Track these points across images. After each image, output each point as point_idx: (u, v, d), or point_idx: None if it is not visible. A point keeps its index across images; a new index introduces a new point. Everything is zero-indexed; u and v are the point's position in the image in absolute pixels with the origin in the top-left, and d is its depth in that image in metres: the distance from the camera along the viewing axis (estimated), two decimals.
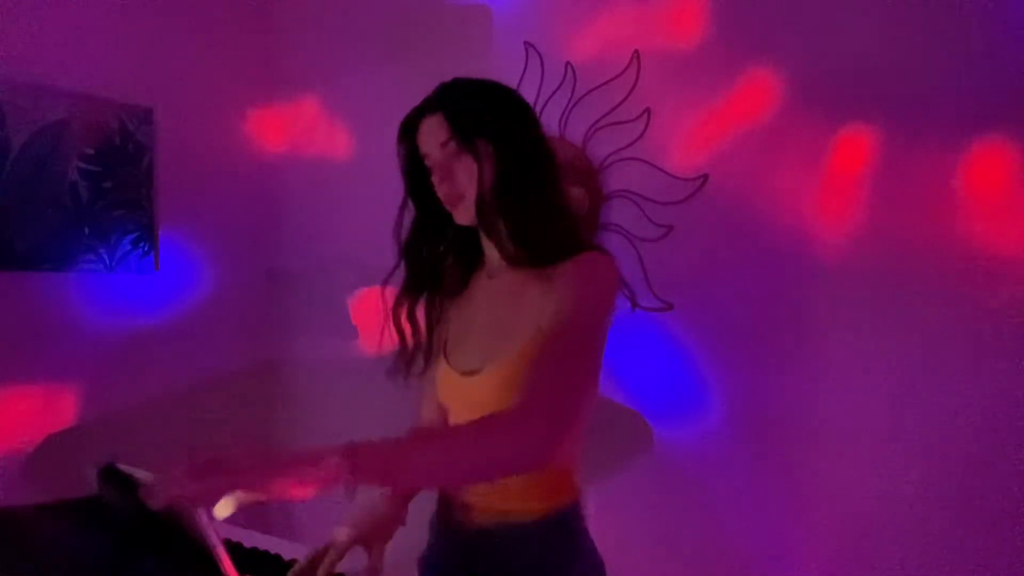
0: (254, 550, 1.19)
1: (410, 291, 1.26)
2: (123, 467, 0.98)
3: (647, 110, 1.99)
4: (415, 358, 1.26)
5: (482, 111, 1.16)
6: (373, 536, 1.12)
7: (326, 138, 2.63)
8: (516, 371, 1.11)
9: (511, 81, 1.42)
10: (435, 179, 1.17)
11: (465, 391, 1.19)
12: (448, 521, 1.25)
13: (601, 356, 1.10)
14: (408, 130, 1.20)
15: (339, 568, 1.08)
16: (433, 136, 1.15)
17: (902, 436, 1.68)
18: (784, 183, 1.81)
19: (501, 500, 1.17)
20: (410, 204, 1.24)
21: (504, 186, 1.13)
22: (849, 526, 1.73)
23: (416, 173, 1.21)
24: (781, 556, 1.82)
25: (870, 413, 1.71)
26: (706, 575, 1.92)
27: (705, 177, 1.91)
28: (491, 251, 1.22)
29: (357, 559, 1.09)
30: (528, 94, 1.71)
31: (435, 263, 1.27)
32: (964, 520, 1.60)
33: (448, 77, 1.21)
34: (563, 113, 2.09)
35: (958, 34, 1.61)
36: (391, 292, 1.26)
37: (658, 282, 1.96)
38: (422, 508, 1.27)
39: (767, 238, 1.83)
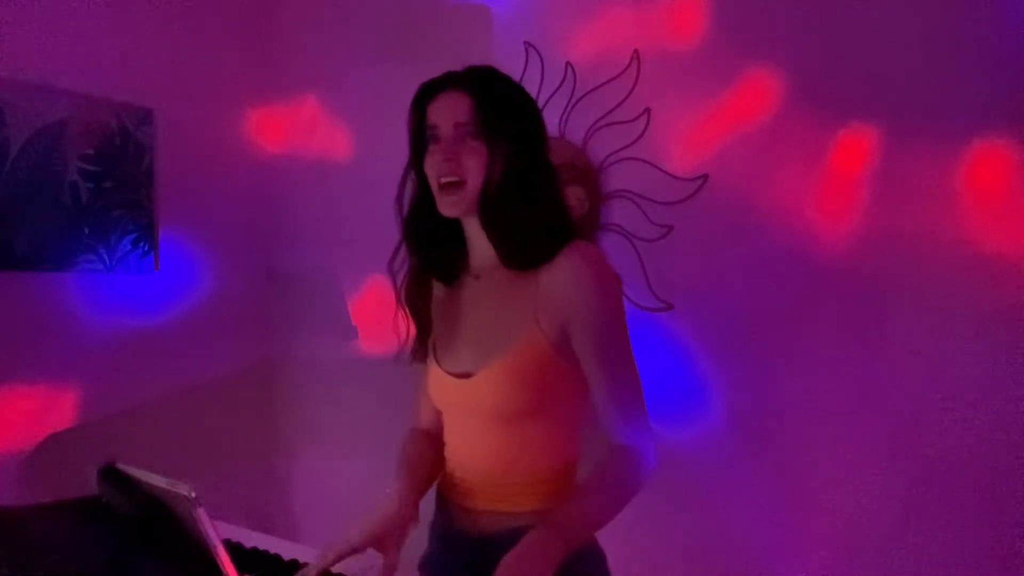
0: (254, 550, 1.19)
1: (422, 273, 1.25)
2: (123, 467, 0.98)
3: (647, 110, 1.98)
4: (428, 344, 1.25)
5: (510, 108, 1.15)
6: (387, 536, 1.08)
7: (325, 138, 2.63)
8: (510, 373, 1.12)
9: None
10: (436, 155, 1.14)
11: (460, 394, 1.18)
12: (450, 527, 1.24)
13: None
14: (423, 97, 1.18)
15: (347, 570, 1.08)
16: (451, 111, 1.13)
17: (902, 436, 1.68)
18: (784, 183, 1.81)
19: (506, 504, 1.17)
20: (412, 177, 1.21)
21: (510, 185, 1.12)
22: (849, 526, 1.73)
23: (422, 144, 1.18)
24: (781, 555, 1.82)
25: (870, 413, 1.71)
26: (706, 574, 1.92)
27: (705, 177, 1.91)
28: (480, 248, 1.20)
29: (365, 561, 1.08)
30: None
31: (438, 243, 1.23)
32: (964, 520, 1.60)
33: None
34: (563, 113, 2.09)
35: (958, 34, 1.61)
36: (401, 277, 1.25)
37: (658, 282, 1.96)
38: (421, 512, 1.26)
39: (767, 238, 1.83)
